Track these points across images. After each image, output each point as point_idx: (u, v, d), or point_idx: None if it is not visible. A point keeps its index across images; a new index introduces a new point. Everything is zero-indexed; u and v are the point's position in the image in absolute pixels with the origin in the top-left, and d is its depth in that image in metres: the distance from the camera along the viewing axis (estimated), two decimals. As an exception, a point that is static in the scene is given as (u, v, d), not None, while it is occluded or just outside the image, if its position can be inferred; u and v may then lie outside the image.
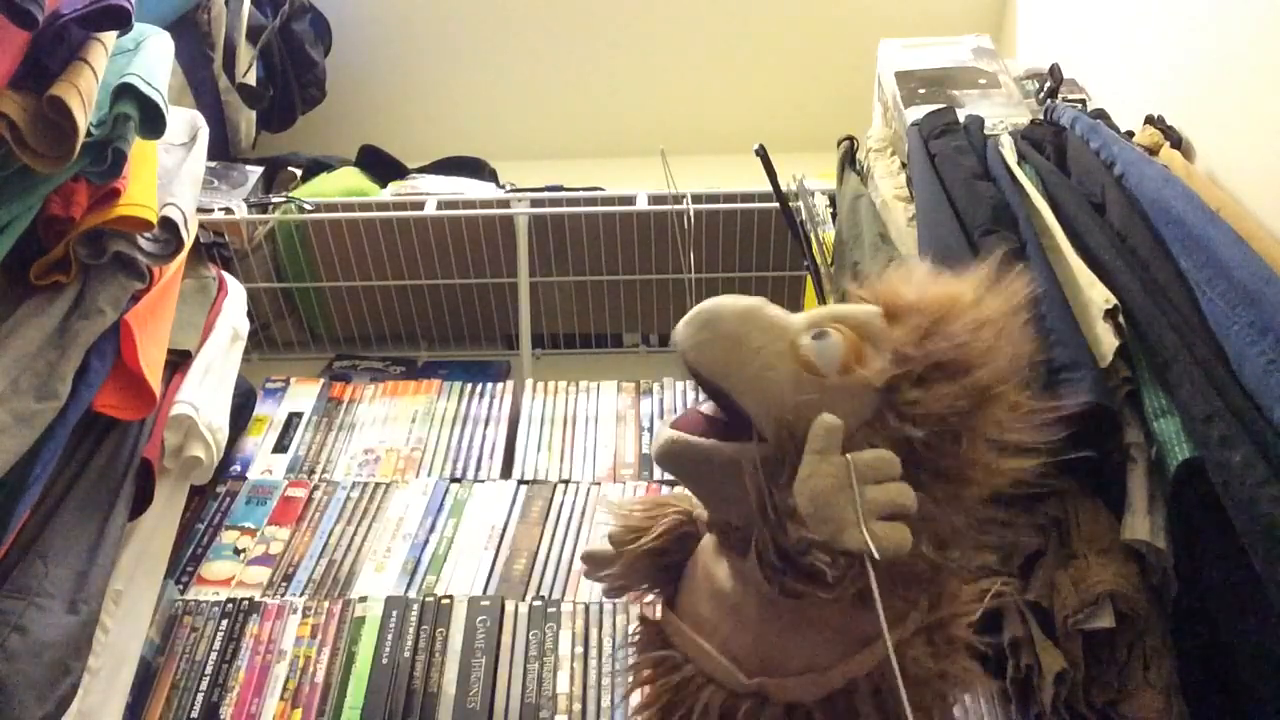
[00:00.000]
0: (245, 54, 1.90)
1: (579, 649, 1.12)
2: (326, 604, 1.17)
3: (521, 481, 1.37)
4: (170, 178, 1.15)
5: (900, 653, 0.66)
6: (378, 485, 1.36)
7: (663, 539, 0.78)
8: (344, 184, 1.84)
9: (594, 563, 0.82)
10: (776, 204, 1.50)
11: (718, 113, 2.23)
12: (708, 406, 0.70)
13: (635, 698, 0.80)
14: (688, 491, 0.78)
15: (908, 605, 0.68)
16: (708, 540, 0.76)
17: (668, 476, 1.33)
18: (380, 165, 1.96)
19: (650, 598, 0.81)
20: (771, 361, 0.64)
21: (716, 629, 0.71)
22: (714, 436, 0.67)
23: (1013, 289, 0.68)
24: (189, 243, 1.15)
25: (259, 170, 1.79)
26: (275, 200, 1.68)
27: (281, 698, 1.09)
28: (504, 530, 1.29)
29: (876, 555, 0.57)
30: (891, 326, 0.66)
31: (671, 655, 0.74)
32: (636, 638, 0.79)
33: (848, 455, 0.60)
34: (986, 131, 1.31)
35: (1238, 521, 0.76)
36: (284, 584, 1.22)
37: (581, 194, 1.70)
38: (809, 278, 1.42)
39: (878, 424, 0.63)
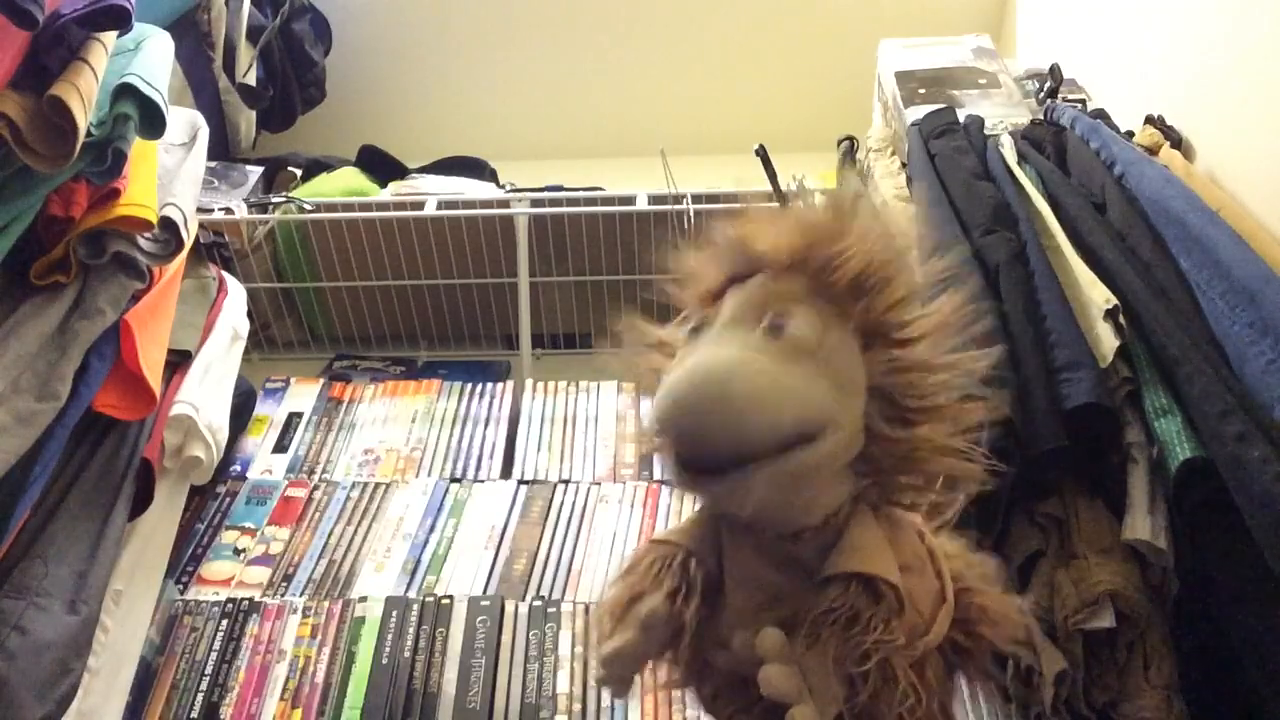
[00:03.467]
0: (245, 54, 1.90)
1: (579, 649, 1.12)
2: (326, 604, 1.17)
3: (521, 481, 1.37)
4: (170, 178, 1.15)
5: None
6: (378, 485, 1.36)
7: (672, 580, 0.69)
8: (344, 184, 1.84)
9: (622, 664, 0.68)
10: (776, 204, 1.50)
11: (718, 113, 2.23)
12: None
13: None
14: (675, 530, 0.72)
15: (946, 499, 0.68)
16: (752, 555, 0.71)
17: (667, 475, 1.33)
18: (380, 165, 1.96)
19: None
20: (779, 384, 0.58)
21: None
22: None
23: (835, 198, 0.66)
24: (189, 243, 1.15)
25: (259, 170, 1.79)
26: (275, 200, 1.68)
27: (281, 698, 1.09)
28: (504, 530, 1.29)
29: None
30: (803, 275, 0.62)
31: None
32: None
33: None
34: (986, 131, 1.31)
35: (1253, 519, 0.76)
36: (284, 584, 1.22)
37: (581, 194, 1.70)
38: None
39: (875, 342, 0.62)
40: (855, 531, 0.64)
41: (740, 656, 0.63)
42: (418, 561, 1.25)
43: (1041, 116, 1.37)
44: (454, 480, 1.38)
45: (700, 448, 0.58)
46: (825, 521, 0.65)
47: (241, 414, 1.42)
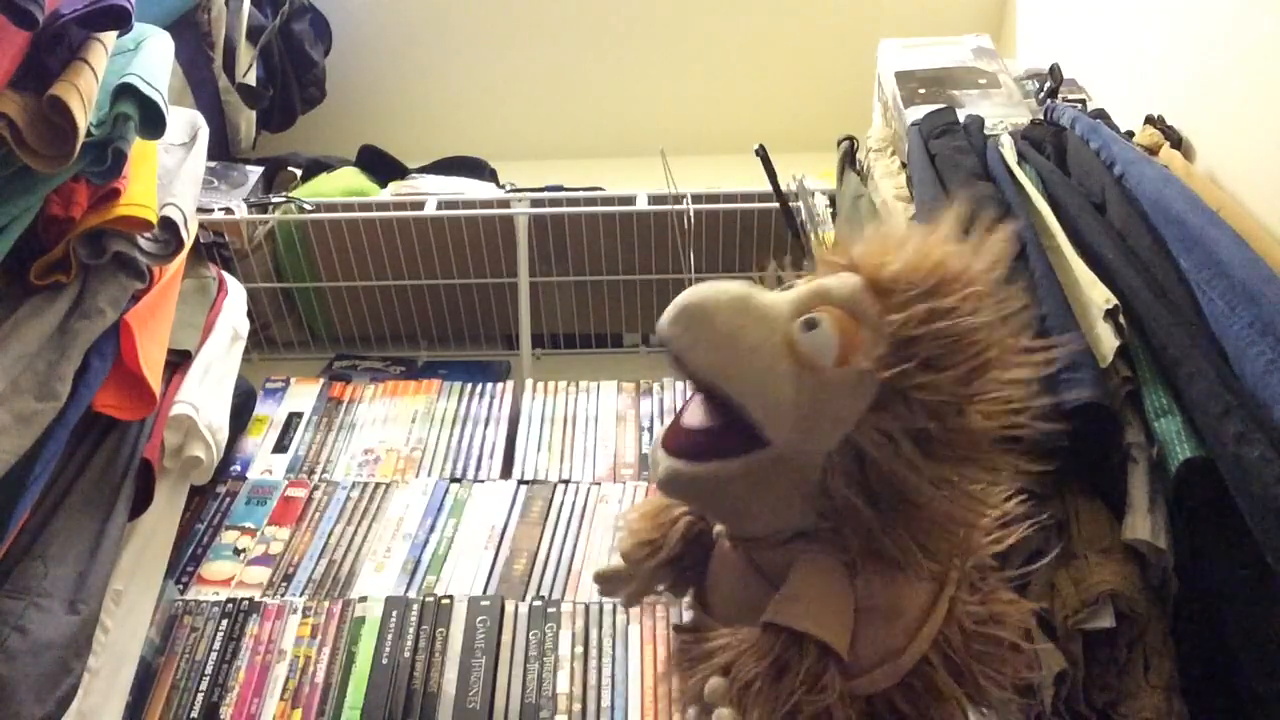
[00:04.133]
0: (245, 54, 1.90)
1: (579, 649, 1.12)
2: (326, 604, 1.17)
3: (521, 481, 1.37)
4: (170, 178, 1.15)
5: (954, 610, 0.66)
6: (378, 485, 1.36)
7: (678, 546, 0.75)
8: (344, 184, 1.84)
9: (608, 582, 0.79)
10: (776, 204, 1.50)
11: (718, 113, 2.23)
12: (693, 415, 0.66)
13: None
14: None
15: (944, 566, 0.67)
16: (718, 553, 0.75)
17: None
18: (380, 165, 1.96)
19: (670, 599, 0.79)
20: (769, 361, 0.61)
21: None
22: (710, 450, 0.64)
23: (992, 245, 0.64)
24: (189, 243, 1.15)
25: (259, 170, 1.79)
26: (275, 200, 1.68)
27: (281, 698, 1.09)
28: (504, 530, 1.29)
29: None
30: (880, 301, 0.62)
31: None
32: (677, 653, 0.75)
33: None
34: (986, 131, 1.31)
35: (1253, 518, 0.76)
36: (284, 584, 1.22)
37: (581, 194, 1.70)
38: (809, 278, 1.41)
39: (884, 411, 0.60)
40: (796, 578, 0.65)
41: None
42: (418, 561, 1.25)
43: (1041, 116, 1.36)
44: (454, 480, 1.38)
45: (674, 349, 0.62)
46: (771, 538, 0.66)
47: (241, 414, 1.42)
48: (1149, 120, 1.32)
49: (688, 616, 0.80)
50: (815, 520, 0.64)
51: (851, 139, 1.53)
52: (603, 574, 0.79)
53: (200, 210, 1.40)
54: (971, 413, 0.61)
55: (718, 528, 0.76)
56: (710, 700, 0.62)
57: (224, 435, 1.22)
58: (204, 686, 1.10)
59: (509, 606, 1.17)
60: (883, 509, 0.62)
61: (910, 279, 0.62)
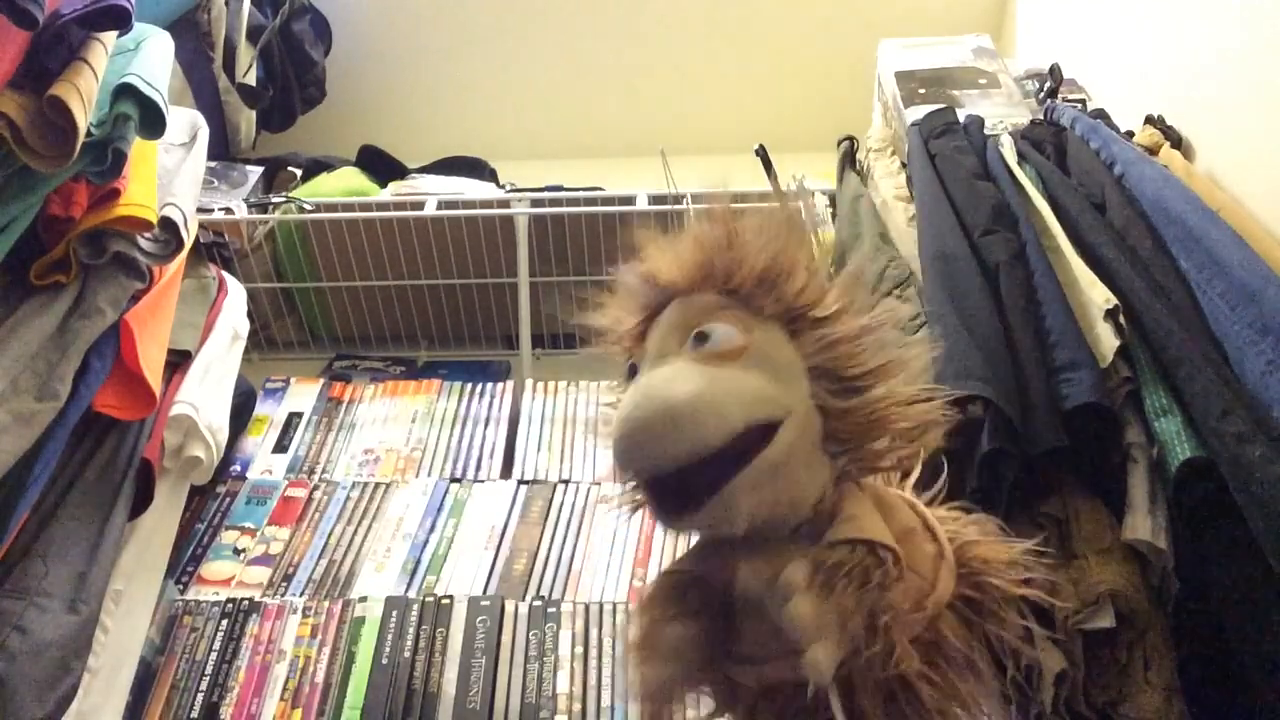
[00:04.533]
0: (245, 54, 1.90)
1: (579, 649, 1.12)
2: (326, 604, 1.17)
3: (521, 481, 1.37)
4: (170, 178, 1.16)
5: (933, 627, 0.66)
6: (378, 485, 1.36)
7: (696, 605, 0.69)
8: (344, 184, 1.84)
9: (663, 694, 0.69)
10: (776, 204, 1.50)
11: (718, 113, 2.23)
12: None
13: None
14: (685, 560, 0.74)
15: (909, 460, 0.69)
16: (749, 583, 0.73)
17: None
18: (380, 165, 1.96)
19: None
20: (713, 393, 0.59)
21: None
22: (747, 456, 0.61)
23: (723, 210, 0.68)
24: (189, 243, 1.15)
25: (259, 170, 1.79)
26: (275, 200, 1.68)
27: (281, 698, 1.09)
28: (504, 530, 1.29)
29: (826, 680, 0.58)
30: (709, 292, 0.66)
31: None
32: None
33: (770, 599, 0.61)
34: (986, 131, 1.31)
35: (1253, 518, 0.76)
36: (284, 584, 1.22)
37: (581, 194, 1.70)
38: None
39: (796, 327, 0.64)
40: (848, 505, 0.65)
41: (755, 600, 0.64)
42: (418, 561, 1.25)
43: (1041, 116, 1.37)
44: (454, 480, 1.38)
45: (662, 469, 0.58)
46: (816, 511, 0.65)
47: (241, 414, 1.42)
48: (1149, 120, 1.32)
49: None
50: (838, 461, 0.65)
51: (851, 139, 1.53)
52: (648, 692, 0.69)
53: (200, 210, 1.40)
54: (830, 294, 0.66)
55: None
56: (791, 586, 0.59)
57: (224, 435, 1.22)
58: (204, 686, 1.10)
59: (509, 606, 1.17)
60: (864, 387, 0.64)
61: (711, 259, 0.66)
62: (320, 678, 1.10)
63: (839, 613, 0.58)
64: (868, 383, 0.65)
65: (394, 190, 1.79)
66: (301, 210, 1.63)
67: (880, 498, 0.68)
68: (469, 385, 1.54)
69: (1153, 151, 1.24)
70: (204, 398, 1.18)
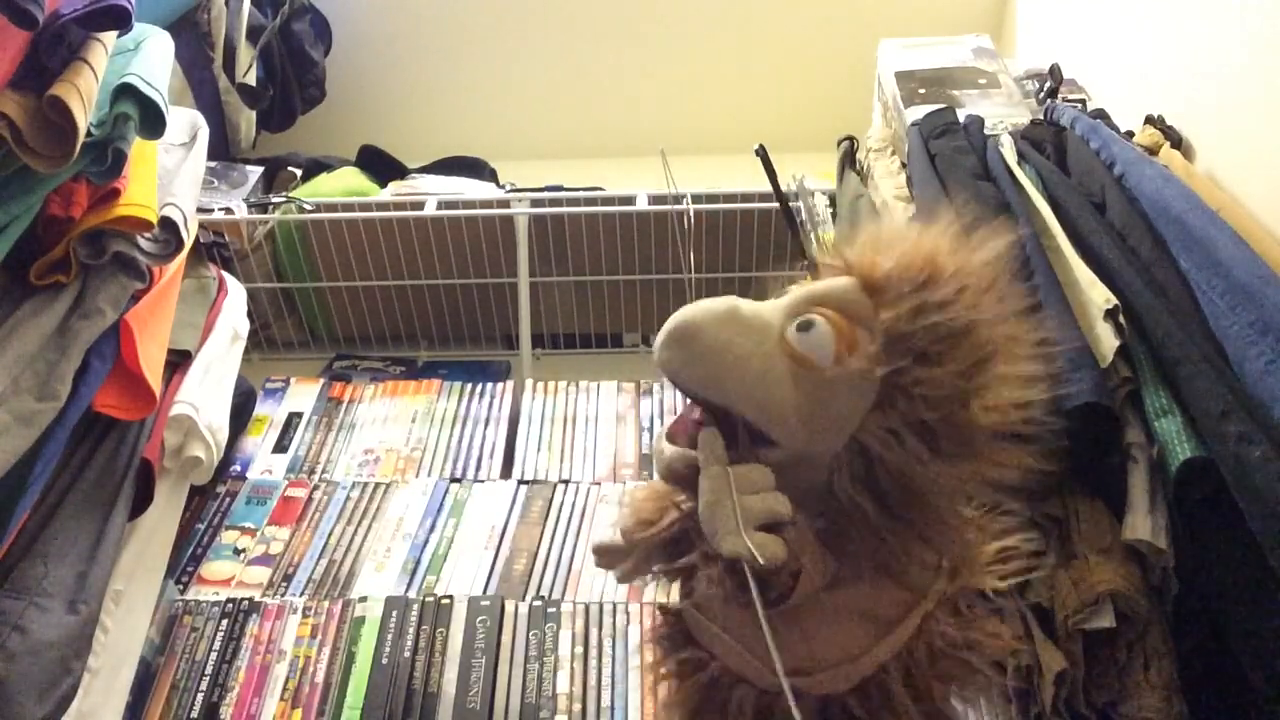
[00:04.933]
0: (245, 54, 1.90)
1: (579, 649, 1.12)
2: (326, 604, 1.17)
3: (521, 481, 1.37)
4: (170, 178, 1.15)
5: (925, 628, 0.66)
6: (378, 485, 1.36)
7: (676, 528, 0.75)
8: (344, 184, 1.85)
9: (605, 554, 0.79)
10: (776, 204, 1.50)
11: (718, 113, 2.23)
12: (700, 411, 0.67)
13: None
14: None
15: (929, 577, 0.67)
16: None
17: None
18: (380, 165, 1.96)
19: (662, 582, 0.78)
20: (763, 365, 0.61)
21: (744, 627, 0.69)
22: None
23: (989, 242, 0.65)
24: (189, 243, 1.15)
25: (259, 170, 1.79)
26: (275, 200, 1.68)
27: (281, 698, 1.09)
28: (504, 530, 1.29)
29: (760, 561, 0.58)
30: (874, 300, 0.62)
31: (698, 654, 0.72)
32: (658, 630, 0.76)
33: (728, 468, 0.61)
34: (986, 131, 1.31)
35: (1253, 518, 0.76)
36: (284, 584, 1.22)
37: (581, 194, 1.70)
38: (809, 278, 1.42)
39: (887, 408, 0.61)
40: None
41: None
42: (418, 561, 1.25)
43: (1041, 116, 1.36)
44: (454, 480, 1.38)
45: (667, 371, 0.63)
46: None
47: (241, 414, 1.42)
48: (1149, 120, 1.32)
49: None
50: (816, 520, 0.65)
51: (851, 139, 1.53)
52: (602, 546, 0.78)
53: (200, 210, 1.40)
54: (975, 407, 0.62)
55: None
56: (758, 478, 0.62)
57: (224, 435, 1.21)
58: (204, 686, 1.10)
59: (509, 606, 1.17)
60: (890, 506, 0.62)
61: (902, 276, 0.62)
62: (320, 678, 1.10)
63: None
64: (897, 509, 0.62)
65: (394, 190, 1.79)
66: (301, 210, 1.63)
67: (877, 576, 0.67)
68: (469, 385, 1.54)
69: (1153, 151, 1.24)
70: (204, 398, 1.18)
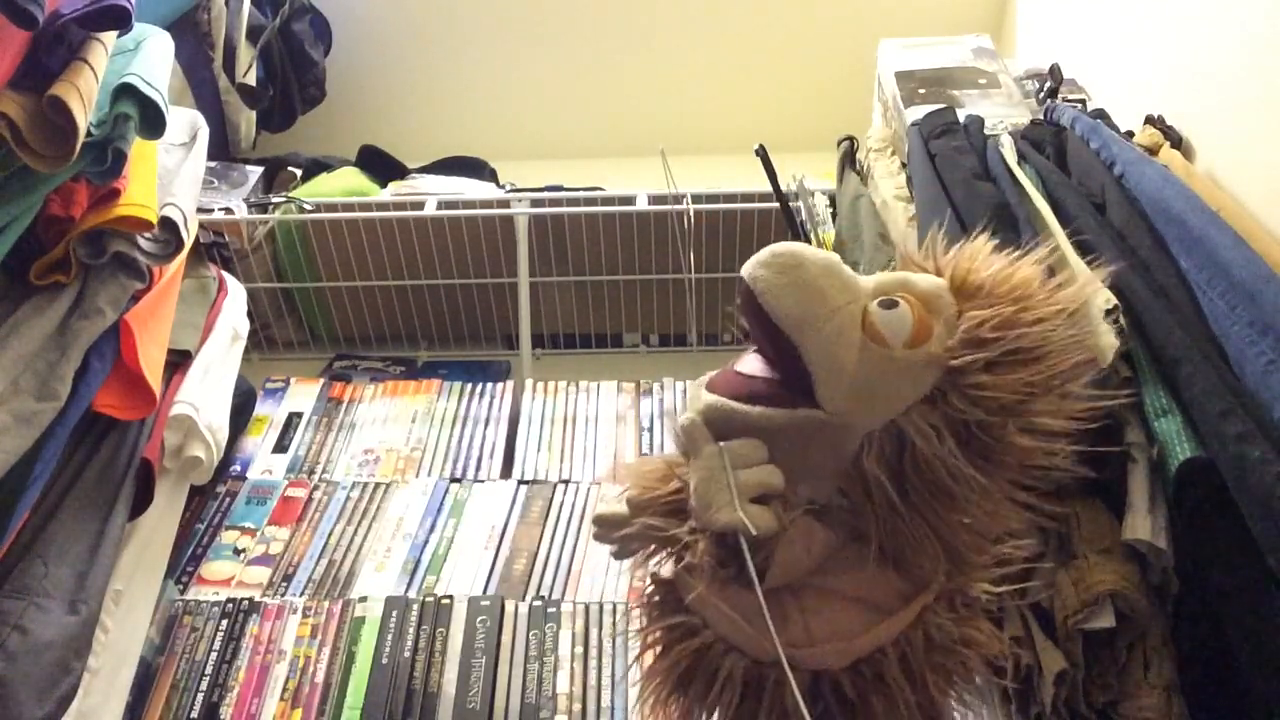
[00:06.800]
0: (245, 54, 1.90)
1: (579, 649, 1.13)
2: (326, 604, 1.17)
3: (521, 481, 1.37)
4: (170, 178, 1.15)
5: (924, 619, 0.67)
6: (378, 485, 1.36)
7: (678, 497, 0.75)
8: (344, 184, 1.84)
9: (606, 525, 0.78)
10: (776, 204, 1.50)
11: (718, 113, 2.23)
12: (748, 365, 0.68)
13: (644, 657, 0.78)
14: None
15: (931, 571, 0.67)
16: None
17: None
18: (380, 165, 1.96)
19: (659, 557, 0.78)
20: (844, 324, 0.63)
21: (739, 595, 0.69)
22: (761, 398, 0.65)
23: (1077, 286, 0.68)
24: (189, 243, 1.15)
25: (259, 170, 1.79)
26: (275, 200, 1.68)
27: (281, 698, 1.09)
28: (504, 530, 1.29)
29: (753, 532, 0.60)
30: (961, 303, 0.65)
31: (689, 620, 0.71)
32: (648, 597, 0.76)
33: (720, 445, 0.64)
34: (986, 131, 1.31)
35: (1253, 518, 0.75)
36: (284, 584, 1.22)
37: (581, 194, 1.70)
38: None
39: (938, 401, 0.63)
40: (798, 517, 0.66)
41: None
42: (418, 561, 1.25)
43: (1041, 116, 1.36)
44: (454, 480, 1.38)
45: (760, 286, 0.63)
46: (787, 503, 0.66)
47: (241, 414, 1.42)
48: (1149, 120, 1.32)
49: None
50: (835, 496, 0.65)
51: (851, 139, 1.53)
52: (602, 516, 0.77)
53: (200, 210, 1.40)
54: (1013, 429, 0.64)
55: None
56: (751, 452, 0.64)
57: (224, 435, 1.22)
58: (204, 686, 1.10)
59: (509, 606, 1.17)
60: (909, 497, 0.63)
61: (996, 289, 0.65)
62: (320, 678, 1.10)
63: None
64: (920, 505, 0.64)
65: (394, 190, 1.79)
66: (301, 210, 1.64)
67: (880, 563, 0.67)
68: (469, 385, 1.54)
69: (1153, 151, 1.24)
70: (204, 398, 1.18)
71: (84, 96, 0.91)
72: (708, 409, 0.66)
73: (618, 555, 0.79)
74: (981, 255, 0.68)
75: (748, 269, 0.64)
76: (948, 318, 0.64)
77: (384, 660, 1.11)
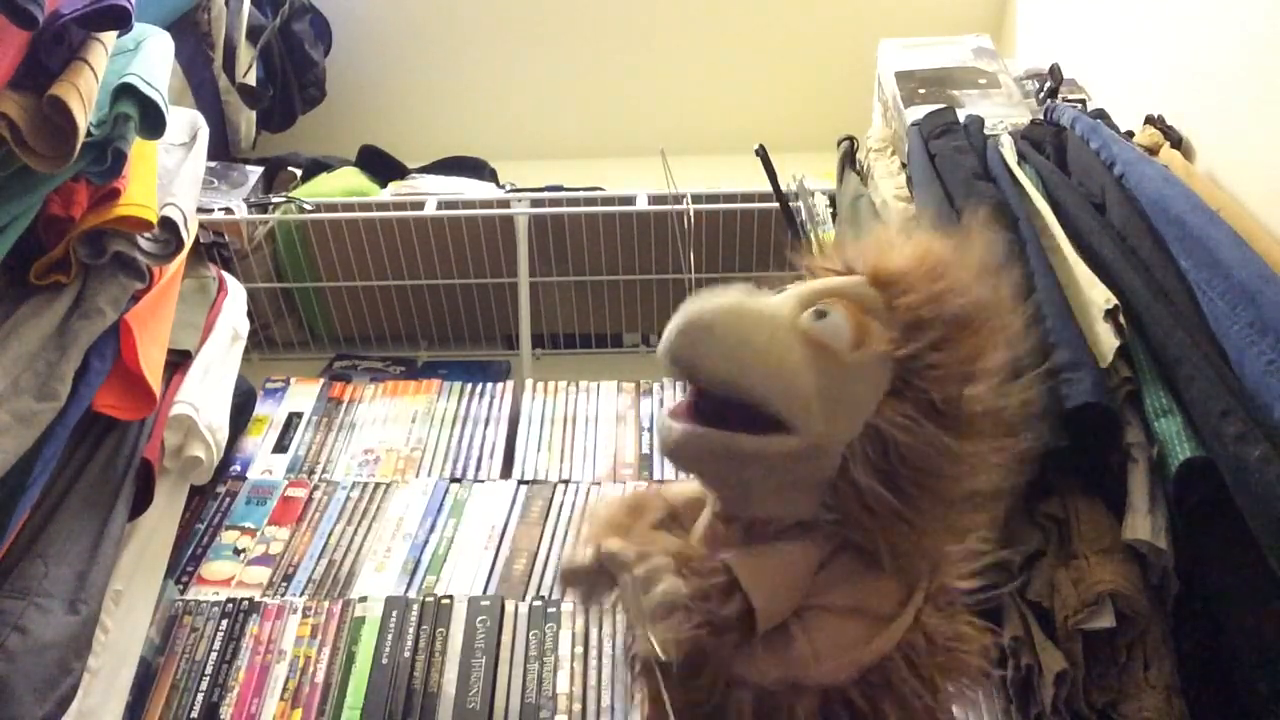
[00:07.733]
0: (245, 54, 1.90)
1: (579, 649, 1.12)
2: (326, 604, 1.17)
3: (521, 481, 1.37)
4: (170, 178, 1.16)
5: (920, 620, 0.67)
6: (378, 485, 1.36)
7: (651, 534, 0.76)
8: (344, 184, 1.85)
9: (575, 578, 0.76)
10: (776, 204, 1.50)
11: (718, 113, 2.23)
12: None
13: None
14: (674, 486, 0.77)
15: (922, 571, 0.68)
16: (707, 529, 0.75)
17: (669, 472, 1.33)
18: (380, 165, 1.96)
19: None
20: (781, 354, 0.62)
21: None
22: (734, 422, 0.64)
23: (978, 237, 0.68)
24: (189, 243, 1.15)
25: (259, 170, 1.79)
26: (275, 200, 1.68)
27: (281, 698, 1.09)
28: (504, 530, 1.29)
29: (663, 657, 0.60)
30: (885, 293, 0.65)
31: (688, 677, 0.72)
32: (639, 676, 0.75)
33: (631, 573, 0.65)
34: (986, 131, 1.31)
35: (1253, 518, 0.76)
36: (284, 584, 1.22)
37: (581, 194, 1.70)
38: (807, 278, 1.42)
39: (905, 391, 0.63)
40: (773, 545, 0.66)
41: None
42: (418, 561, 1.25)
43: (1041, 116, 1.37)
44: (454, 480, 1.38)
45: (683, 366, 0.63)
46: (771, 524, 0.66)
47: (241, 414, 1.41)
48: (1149, 120, 1.32)
49: None
50: (820, 512, 0.65)
51: (851, 139, 1.53)
52: (571, 570, 0.76)
53: (200, 210, 1.40)
54: (974, 390, 0.64)
55: (701, 519, 0.75)
56: (652, 572, 0.64)
57: (224, 435, 1.22)
58: (204, 686, 1.10)
59: (509, 606, 1.17)
60: (906, 491, 0.63)
61: (916, 270, 0.65)
62: (320, 678, 1.10)
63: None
64: (911, 492, 0.64)
65: (394, 190, 1.79)
66: (301, 210, 1.64)
67: (867, 571, 0.67)
68: (469, 385, 1.54)
69: (1153, 151, 1.24)
70: (204, 398, 1.18)
71: (84, 96, 0.91)
72: (681, 439, 0.65)
73: (584, 603, 0.78)
74: (888, 244, 0.68)
75: (663, 355, 0.64)
76: (878, 311, 0.64)
77: (384, 660, 1.11)
